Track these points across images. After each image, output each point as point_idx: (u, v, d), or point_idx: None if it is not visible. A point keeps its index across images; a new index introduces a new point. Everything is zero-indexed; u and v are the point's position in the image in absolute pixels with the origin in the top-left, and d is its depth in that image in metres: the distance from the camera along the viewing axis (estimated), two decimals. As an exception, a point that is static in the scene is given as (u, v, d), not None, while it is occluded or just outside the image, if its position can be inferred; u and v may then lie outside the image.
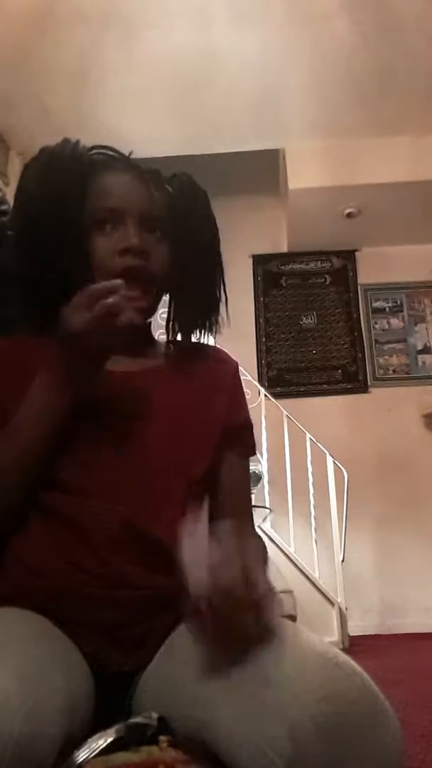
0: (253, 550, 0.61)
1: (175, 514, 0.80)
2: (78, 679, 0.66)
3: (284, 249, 5.51)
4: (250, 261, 5.51)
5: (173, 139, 4.40)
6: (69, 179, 0.87)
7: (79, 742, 0.58)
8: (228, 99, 4.22)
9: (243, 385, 0.99)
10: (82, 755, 0.55)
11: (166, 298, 0.96)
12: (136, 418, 0.85)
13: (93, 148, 0.92)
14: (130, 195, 0.88)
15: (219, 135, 4.55)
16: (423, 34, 3.77)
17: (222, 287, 0.95)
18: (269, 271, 5.56)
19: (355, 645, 3.70)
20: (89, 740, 0.57)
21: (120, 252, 0.85)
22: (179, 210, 0.91)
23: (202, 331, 0.95)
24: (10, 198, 1.14)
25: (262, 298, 5.49)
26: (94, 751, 0.55)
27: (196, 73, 3.98)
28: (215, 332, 0.95)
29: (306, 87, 4.17)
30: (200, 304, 0.94)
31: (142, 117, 4.29)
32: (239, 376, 0.98)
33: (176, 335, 0.95)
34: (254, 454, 0.96)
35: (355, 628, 4.24)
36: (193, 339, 0.95)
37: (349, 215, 5.03)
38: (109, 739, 0.56)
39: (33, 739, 0.51)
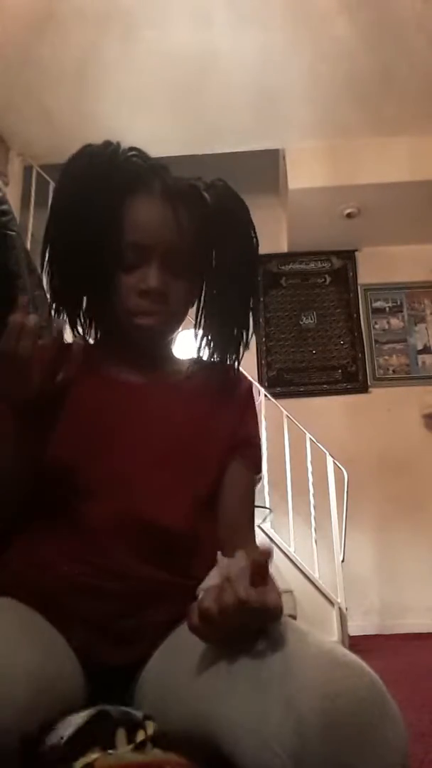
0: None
1: (175, 516, 0.81)
2: (57, 657, 0.67)
3: (284, 249, 5.51)
4: (250, 261, 5.51)
5: (173, 139, 4.40)
6: (102, 203, 0.85)
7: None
8: (228, 99, 4.22)
9: None
10: (65, 730, 0.56)
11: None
12: (143, 427, 0.87)
13: (130, 150, 0.90)
14: (158, 230, 0.87)
15: (219, 135, 4.55)
16: (423, 34, 3.77)
17: (255, 304, 0.96)
18: (269, 271, 5.55)
19: (355, 645, 3.70)
20: (68, 717, 0.58)
21: (139, 293, 0.86)
22: (218, 221, 0.91)
23: (233, 348, 0.95)
24: (11, 198, 1.14)
25: (262, 298, 5.49)
26: (74, 726, 0.56)
27: (196, 73, 3.98)
28: (243, 347, 0.95)
29: (306, 87, 4.17)
30: (233, 320, 0.94)
31: (142, 117, 4.28)
32: (252, 396, 0.99)
33: (205, 352, 0.95)
34: (258, 471, 0.97)
35: (355, 628, 4.24)
36: (222, 355, 0.95)
37: (349, 215, 5.03)
38: (92, 712, 0.57)
39: None
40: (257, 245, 0.94)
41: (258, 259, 0.95)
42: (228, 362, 0.96)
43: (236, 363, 0.96)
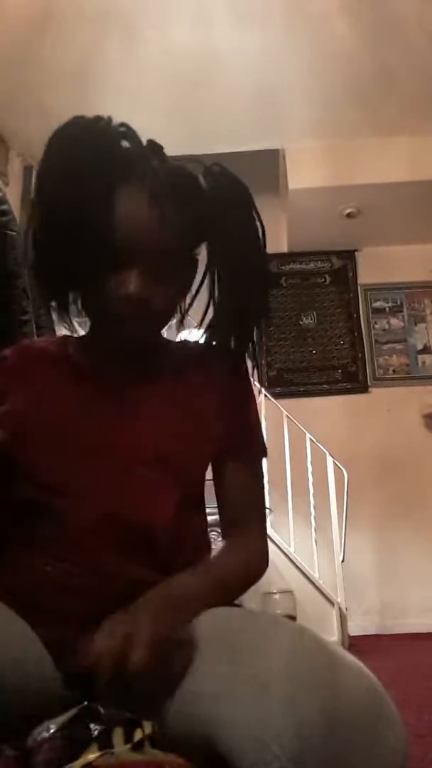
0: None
1: (160, 515, 0.80)
2: (17, 631, 0.67)
3: (284, 249, 5.51)
4: (250, 261, 5.51)
5: (173, 139, 4.34)
6: (92, 191, 0.79)
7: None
8: (228, 99, 4.22)
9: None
10: (50, 726, 0.56)
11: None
12: (130, 427, 0.85)
13: (120, 126, 0.84)
14: (144, 231, 0.79)
15: (219, 135, 4.54)
16: (423, 34, 3.77)
17: (266, 291, 0.90)
18: (269, 271, 5.55)
19: (354, 645, 3.70)
20: (55, 719, 0.58)
21: (120, 298, 0.80)
22: (216, 208, 0.84)
23: (243, 341, 0.90)
24: (11, 198, 1.13)
25: (262, 298, 5.48)
26: (58, 724, 0.57)
27: (196, 73, 3.98)
28: (257, 338, 0.90)
29: (306, 87, 4.17)
30: (245, 313, 0.89)
31: (142, 116, 4.24)
32: (250, 383, 0.93)
33: (213, 341, 0.90)
34: (263, 455, 0.93)
35: (355, 628, 4.24)
36: (234, 348, 0.91)
37: (349, 215, 5.03)
38: (74, 712, 0.58)
39: None
40: (263, 230, 0.87)
41: (265, 244, 0.88)
42: (240, 354, 0.91)
43: (251, 353, 0.91)
